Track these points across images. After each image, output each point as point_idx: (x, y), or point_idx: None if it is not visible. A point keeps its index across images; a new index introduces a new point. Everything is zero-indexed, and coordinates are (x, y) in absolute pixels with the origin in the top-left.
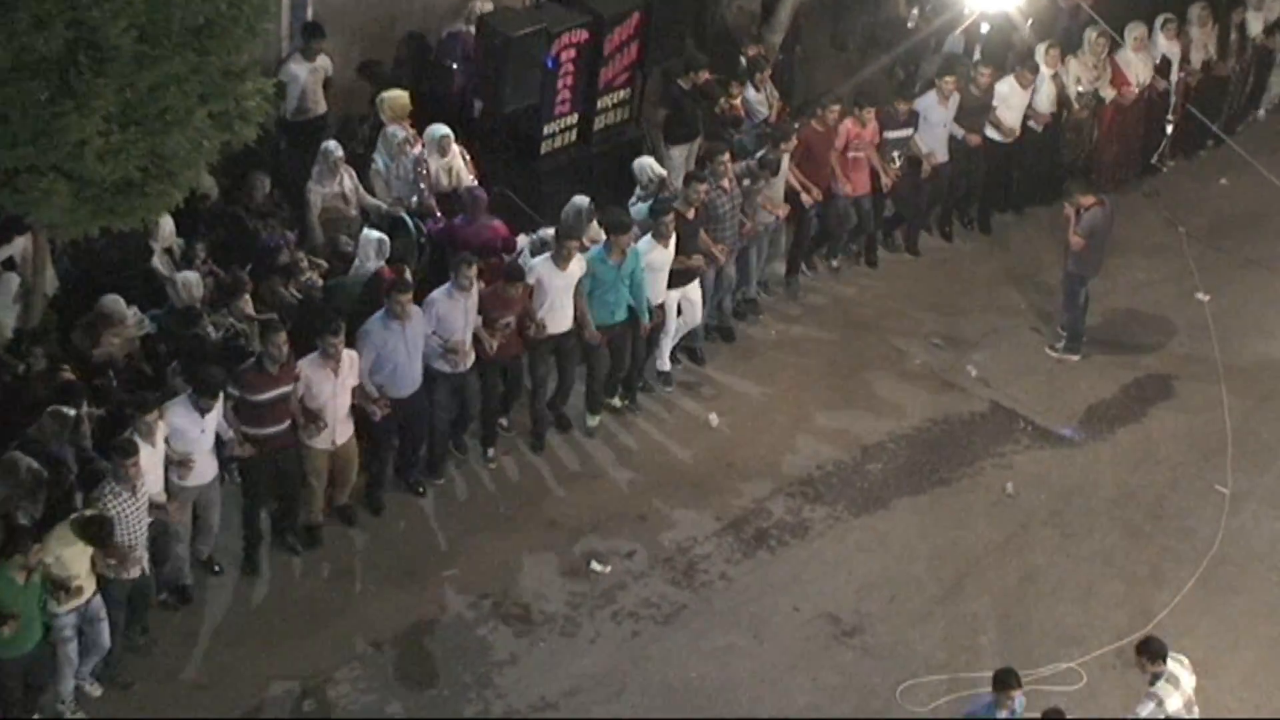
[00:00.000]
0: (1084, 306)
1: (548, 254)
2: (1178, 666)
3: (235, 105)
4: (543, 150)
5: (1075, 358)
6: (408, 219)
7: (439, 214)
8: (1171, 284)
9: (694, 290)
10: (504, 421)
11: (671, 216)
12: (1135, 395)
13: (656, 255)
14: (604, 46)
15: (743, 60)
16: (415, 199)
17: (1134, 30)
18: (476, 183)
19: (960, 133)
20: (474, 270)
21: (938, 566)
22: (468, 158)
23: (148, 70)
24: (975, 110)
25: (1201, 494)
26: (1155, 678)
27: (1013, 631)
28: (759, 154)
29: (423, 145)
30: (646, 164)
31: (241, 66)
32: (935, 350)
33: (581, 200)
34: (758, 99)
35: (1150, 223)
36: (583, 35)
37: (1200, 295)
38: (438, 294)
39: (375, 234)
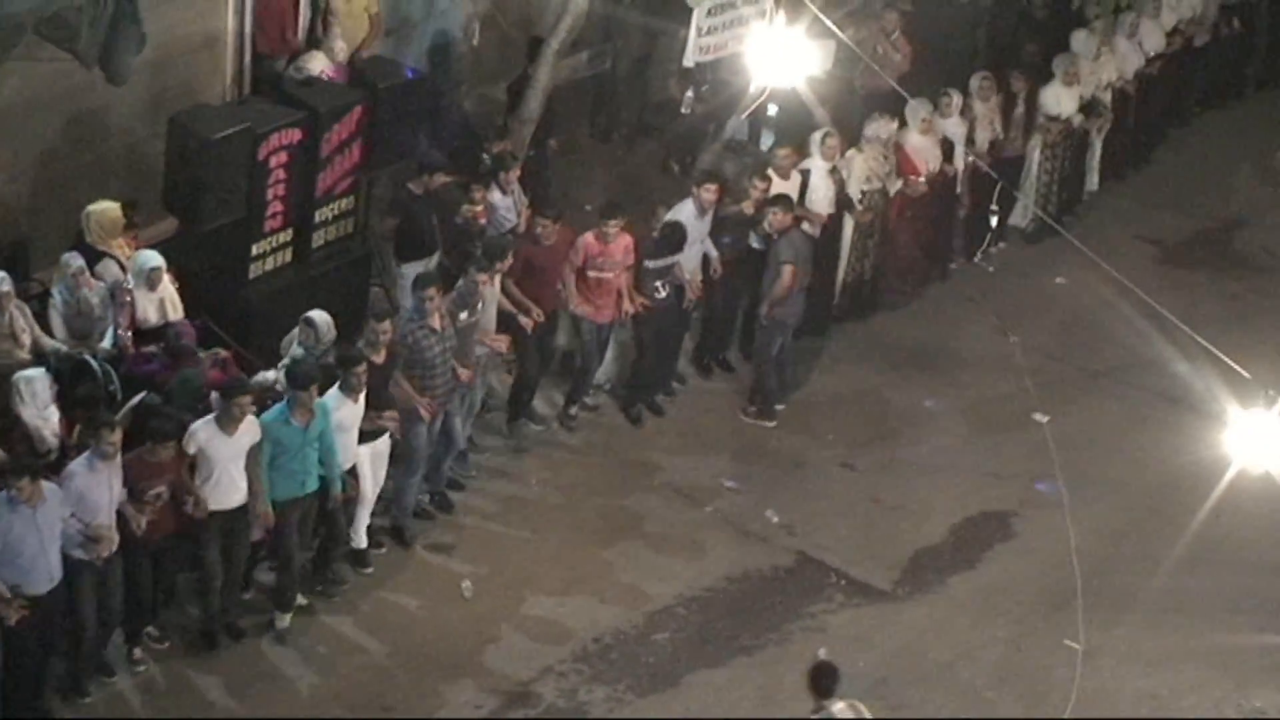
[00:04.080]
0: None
1: (211, 416)
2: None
3: None
4: (252, 273)
5: (772, 423)
6: (93, 363)
7: (137, 355)
8: (1004, 403)
9: (383, 447)
10: (152, 630)
11: (364, 367)
12: (968, 538)
13: (346, 412)
14: (321, 147)
15: (486, 158)
16: (110, 338)
17: (919, 110)
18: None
19: (715, 253)
20: (117, 435)
21: None
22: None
23: None
24: (740, 222)
25: (1050, 651)
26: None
27: None
28: (466, 277)
29: (128, 274)
30: (322, 322)
31: None
32: (728, 494)
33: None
34: (504, 204)
35: (975, 331)
36: (295, 135)
37: (1039, 416)
38: (76, 465)
39: (32, 374)
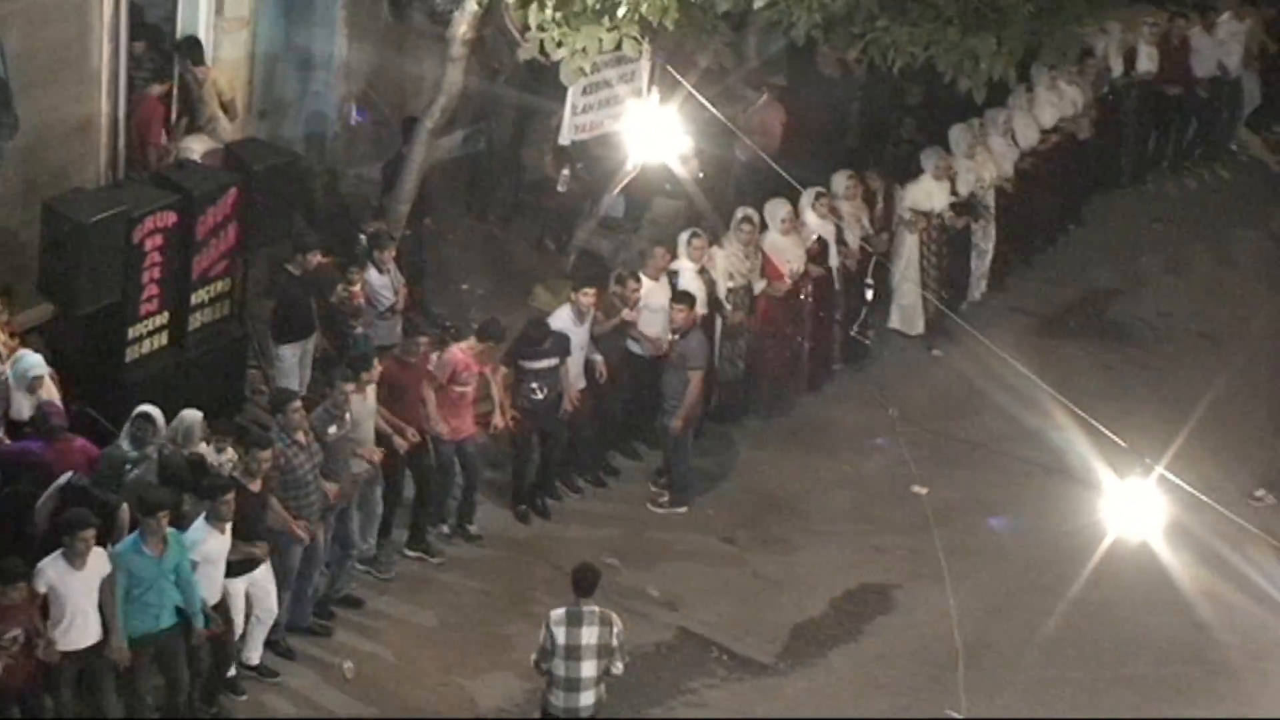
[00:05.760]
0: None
1: (58, 553)
2: (591, 614)
3: None
4: (128, 357)
5: (684, 509)
6: None
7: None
8: (884, 475)
9: (264, 575)
10: None
11: (232, 495)
12: (848, 610)
13: (213, 544)
14: (196, 230)
15: (362, 238)
16: None
17: (778, 210)
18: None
19: (599, 357)
20: None
21: None
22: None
23: None
24: (619, 330)
25: None
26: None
27: None
28: (332, 390)
29: (7, 370)
30: (160, 418)
31: None
32: (609, 570)
33: (190, 416)
34: (381, 283)
35: (855, 404)
36: (170, 218)
37: (917, 488)
38: None
39: None
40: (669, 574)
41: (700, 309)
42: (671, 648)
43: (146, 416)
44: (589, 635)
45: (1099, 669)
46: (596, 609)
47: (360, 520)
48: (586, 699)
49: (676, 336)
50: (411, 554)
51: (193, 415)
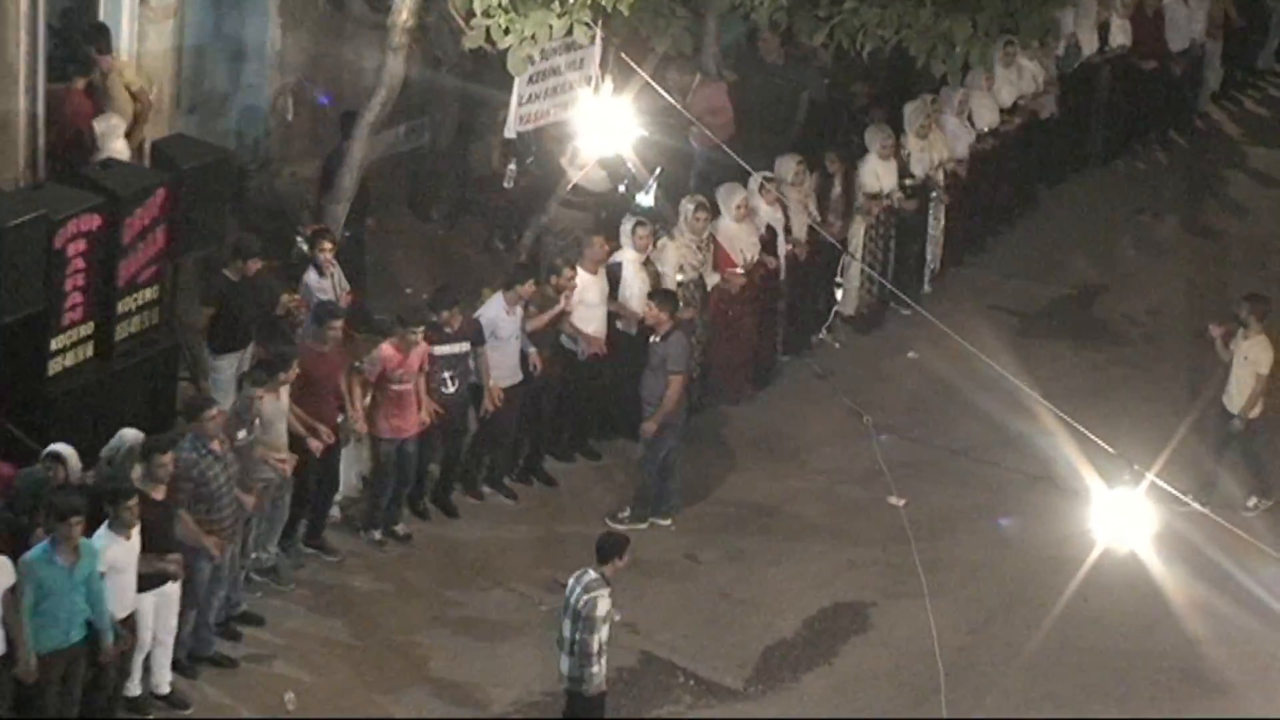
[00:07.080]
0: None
1: None
2: (586, 579)
3: None
4: (51, 370)
5: (644, 525)
6: None
7: None
8: (858, 486)
9: (173, 591)
10: None
11: (134, 501)
12: (822, 629)
13: (118, 552)
14: (122, 234)
15: (299, 240)
16: None
17: (733, 196)
18: None
19: (533, 349)
20: None
21: None
22: None
23: None
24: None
25: None
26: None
27: None
28: (240, 393)
29: None
30: (72, 457)
31: None
32: (561, 592)
33: (131, 436)
34: (320, 285)
35: (826, 412)
36: (94, 221)
37: (894, 499)
38: None
39: None
40: (630, 593)
41: (640, 305)
42: (634, 672)
43: (55, 456)
44: (573, 596)
45: (1087, 688)
46: (592, 575)
47: (263, 529)
48: (564, 663)
49: (657, 339)
50: (308, 550)
51: (133, 435)
